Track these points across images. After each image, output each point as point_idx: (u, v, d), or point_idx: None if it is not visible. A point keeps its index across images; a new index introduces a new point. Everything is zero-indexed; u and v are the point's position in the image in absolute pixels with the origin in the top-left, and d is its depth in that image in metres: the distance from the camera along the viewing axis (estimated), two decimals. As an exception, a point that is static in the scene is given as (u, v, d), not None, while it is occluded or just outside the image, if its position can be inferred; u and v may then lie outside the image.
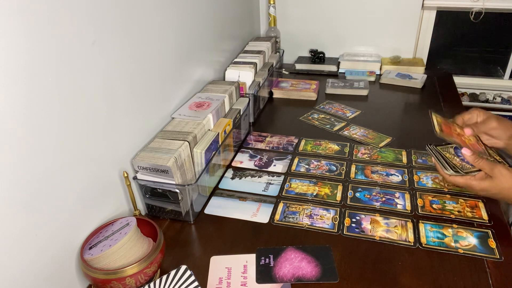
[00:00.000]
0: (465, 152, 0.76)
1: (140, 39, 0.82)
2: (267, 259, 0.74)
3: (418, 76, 1.48)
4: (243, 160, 1.05)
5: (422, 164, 1.00)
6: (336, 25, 1.65)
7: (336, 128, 1.19)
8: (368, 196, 0.90)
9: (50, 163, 0.61)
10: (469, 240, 0.77)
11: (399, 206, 0.86)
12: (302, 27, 1.69)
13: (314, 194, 0.91)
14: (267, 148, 1.11)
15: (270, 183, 0.96)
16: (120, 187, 0.81)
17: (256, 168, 1.02)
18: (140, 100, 0.84)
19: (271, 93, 1.43)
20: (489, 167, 0.74)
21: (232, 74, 1.21)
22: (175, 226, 0.84)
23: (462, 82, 1.72)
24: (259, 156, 1.07)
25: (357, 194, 0.90)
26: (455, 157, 0.79)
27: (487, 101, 1.73)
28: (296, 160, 1.04)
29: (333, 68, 1.61)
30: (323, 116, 1.27)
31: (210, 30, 1.19)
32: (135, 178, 0.81)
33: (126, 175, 0.75)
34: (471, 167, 0.77)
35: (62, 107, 0.62)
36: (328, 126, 1.20)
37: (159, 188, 0.81)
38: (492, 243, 0.76)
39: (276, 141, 1.13)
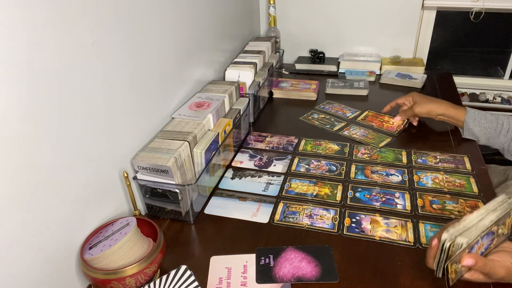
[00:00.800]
0: (467, 262, 0.62)
1: (140, 39, 0.82)
2: (267, 259, 0.74)
3: (418, 76, 1.48)
4: (243, 160, 1.05)
5: (422, 164, 1.00)
6: (336, 25, 1.65)
7: (336, 128, 1.19)
8: (368, 196, 0.90)
9: (50, 163, 0.61)
10: (469, 240, 0.76)
11: (399, 206, 0.86)
12: (302, 27, 1.69)
13: (314, 194, 0.91)
14: (267, 148, 1.11)
15: (270, 183, 0.96)
16: (120, 187, 0.81)
17: (256, 168, 1.02)
18: (140, 100, 0.84)
19: (271, 93, 1.43)
20: (485, 276, 0.64)
21: (232, 74, 1.21)
22: (175, 226, 0.84)
23: (462, 82, 1.72)
24: (259, 156, 1.07)
25: (357, 194, 0.90)
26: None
27: (487, 101, 1.73)
28: (296, 160, 1.04)
29: (333, 68, 1.61)
30: (323, 116, 1.27)
31: (210, 30, 1.19)
32: (135, 178, 0.81)
33: (126, 175, 0.75)
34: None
35: (62, 107, 0.62)
36: (328, 126, 1.20)
37: (159, 188, 0.81)
38: (492, 243, 0.75)
39: (276, 141, 1.13)
